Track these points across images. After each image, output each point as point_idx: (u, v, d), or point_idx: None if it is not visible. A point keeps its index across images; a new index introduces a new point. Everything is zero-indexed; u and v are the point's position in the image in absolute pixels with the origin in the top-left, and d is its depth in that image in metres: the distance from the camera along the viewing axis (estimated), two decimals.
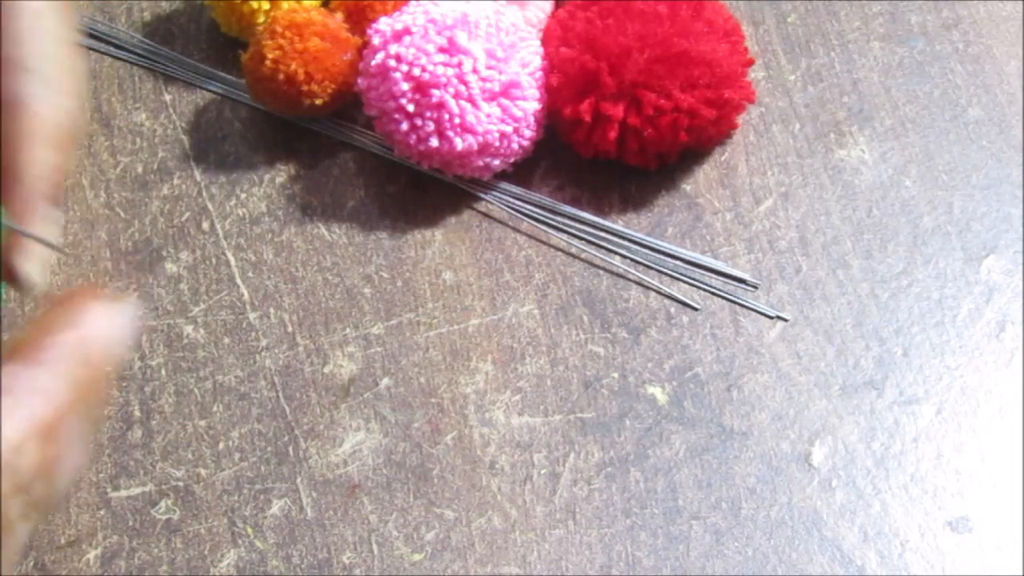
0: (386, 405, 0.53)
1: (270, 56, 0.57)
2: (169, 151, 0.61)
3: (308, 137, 0.60)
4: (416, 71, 0.54)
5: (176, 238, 0.58)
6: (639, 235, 0.57)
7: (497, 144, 0.56)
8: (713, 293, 0.55)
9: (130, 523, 0.51)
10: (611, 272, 0.56)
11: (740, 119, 0.59)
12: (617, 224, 0.57)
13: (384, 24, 0.57)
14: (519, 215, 0.58)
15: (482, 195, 0.58)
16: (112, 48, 0.64)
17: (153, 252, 0.58)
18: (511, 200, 0.58)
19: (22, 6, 0.33)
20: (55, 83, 0.33)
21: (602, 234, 0.57)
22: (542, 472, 0.51)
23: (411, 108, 0.55)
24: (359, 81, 0.57)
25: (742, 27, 0.58)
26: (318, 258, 0.57)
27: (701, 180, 0.58)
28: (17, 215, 0.32)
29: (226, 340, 0.55)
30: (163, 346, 0.55)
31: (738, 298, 0.55)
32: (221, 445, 0.53)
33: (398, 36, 0.56)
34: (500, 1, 0.58)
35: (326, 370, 0.54)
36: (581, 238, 0.57)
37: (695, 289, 0.55)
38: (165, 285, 0.57)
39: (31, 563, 0.50)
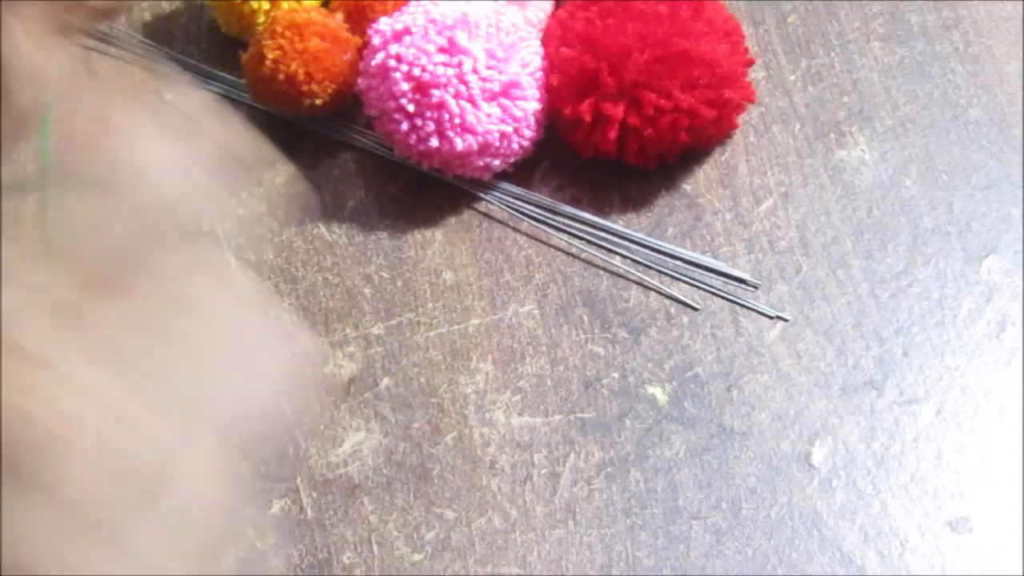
0: (386, 405, 0.53)
1: (270, 56, 0.57)
2: None
3: (308, 137, 0.60)
4: (416, 71, 0.54)
5: None
6: (639, 235, 0.57)
7: (497, 144, 0.56)
8: (713, 293, 0.55)
9: None
10: (611, 272, 0.56)
11: (740, 119, 0.59)
12: (617, 224, 0.57)
13: (384, 24, 0.57)
14: (519, 215, 0.58)
15: (482, 195, 0.58)
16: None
17: None
18: (511, 200, 0.58)
19: None
20: None
21: (602, 234, 0.57)
22: (542, 472, 0.51)
23: (411, 108, 0.55)
24: (359, 81, 0.57)
25: (742, 27, 0.58)
26: (318, 258, 0.57)
27: (701, 180, 0.58)
28: None
29: None
30: None
31: (738, 298, 0.55)
32: None
33: (398, 36, 0.56)
34: (500, 1, 0.58)
35: (326, 370, 0.54)
36: (581, 238, 0.57)
37: (695, 289, 0.55)
38: None
39: None
